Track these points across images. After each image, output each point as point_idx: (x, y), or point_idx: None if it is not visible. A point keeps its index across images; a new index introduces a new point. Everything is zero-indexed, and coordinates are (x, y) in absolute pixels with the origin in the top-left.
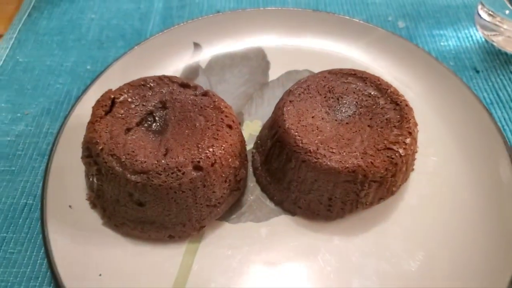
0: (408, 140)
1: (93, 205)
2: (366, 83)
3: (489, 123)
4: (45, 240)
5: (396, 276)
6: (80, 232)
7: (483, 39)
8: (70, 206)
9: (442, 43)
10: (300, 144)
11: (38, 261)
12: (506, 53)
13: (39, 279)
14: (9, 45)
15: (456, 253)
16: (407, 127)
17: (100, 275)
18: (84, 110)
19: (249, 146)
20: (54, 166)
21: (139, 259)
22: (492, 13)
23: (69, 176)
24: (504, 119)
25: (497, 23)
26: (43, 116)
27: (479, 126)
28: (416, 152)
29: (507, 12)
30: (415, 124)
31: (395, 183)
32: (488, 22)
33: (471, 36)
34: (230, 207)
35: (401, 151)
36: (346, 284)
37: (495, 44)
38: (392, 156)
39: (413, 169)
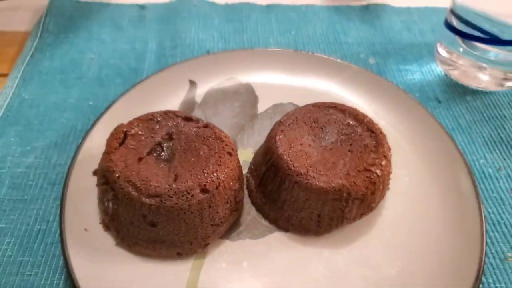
0: (383, 162)
1: (107, 228)
2: (345, 114)
3: (451, 147)
4: (66, 260)
5: (378, 281)
6: (96, 252)
7: (443, 73)
8: (85, 229)
9: (408, 77)
10: (293, 168)
11: (55, 281)
12: (462, 85)
13: None
14: (14, 84)
15: (428, 259)
16: (382, 151)
17: None
18: (92, 143)
19: (243, 171)
20: (68, 193)
21: (151, 275)
22: (449, 51)
23: (83, 202)
24: (464, 142)
25: (454, 59)
26: (50, 149)
27: (443, 150)
28: (391, 173)
29: (461, 50)
30: (389, 149)
31: (374, 200)
32: (446, 58)
33: (433, 71)
34: (230, 226)
35: (378, 172)
36: None
37: (453, 77)
38: (371, 176)
39: (388, 188)
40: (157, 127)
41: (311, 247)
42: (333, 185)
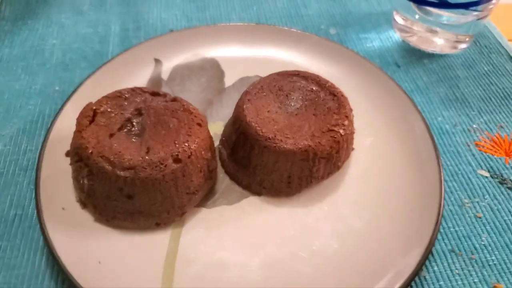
0: (346, 122)
1: (84, 205)
2: (308, 80)
3: (411, 107)
4: (46, 239)
5: (348, 233)
6: (76, 229)
7: (401, 40)
8: (63, 208)
9: (368, 45)
10: (261, 133)
11: (36, 262)
12: (419, 50)
13: (40, 277)
14: None
15: (392, 209)
16: (344, 112)
17: (99, 262)
18: (62, 125)
19: (215, 143)
20: (42, 176)
21: (132, 245)
22: (405, 18)
23: (57, 183)
24: (422, 102)
25: (410, 25)
26: (19, 136)
27: (403, 110)
28: (354, 133)
29: (417, 16)
30: (350, 110)
31: (340, 158)
32: (403, 25)
33: (391, 38)
34: (206, 194)
35: (341, 131)
36: (311, 244)
37: (410, 43)
38: (335, 136)
39: (353, 148)
40: (126, 103)
41: (284, 208)
42: (300, 146)
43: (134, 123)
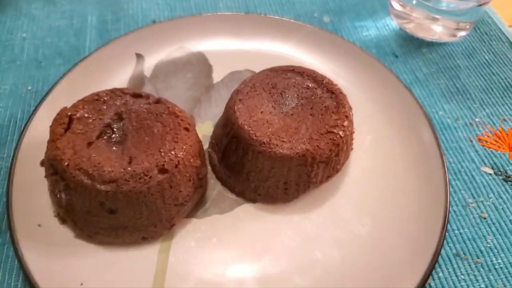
0: (345, 123)
1: (63, 221)
2: (303, 77)
3: (411, 101)
4: (20, 260)
5: (350, 240)
6: (55, 247)
7: (398, 27)
8: (39, 225)
9: (364, 33)
10: (254, 138)
11: (12, 284)
12: (417, 38)
13: None
14: None
15: (396, 213)
16: (344, 112)
17: (81, 284)
18: (35, 131)
19: (204, 146)
20: (15, 188)
21: (117, 262)
22: (402, 4)
23: (32, 196)
24: (423, 95)
25: (408, 12)
26: None
27: (403, 104)
28: (353, 132)
29: (414, 2)
30: (350, 108)
31: (339, 161)
32: (400, 11)
33: (388, 25)
34: (196, 203)
35: (341, 133)
36: (310, 255)
37: (407, 31)
38: (334, 138)
39: (352, 148)
40: (104, 107)
41: (280, 215)
42: (297, 151)
43: (115, 129)
